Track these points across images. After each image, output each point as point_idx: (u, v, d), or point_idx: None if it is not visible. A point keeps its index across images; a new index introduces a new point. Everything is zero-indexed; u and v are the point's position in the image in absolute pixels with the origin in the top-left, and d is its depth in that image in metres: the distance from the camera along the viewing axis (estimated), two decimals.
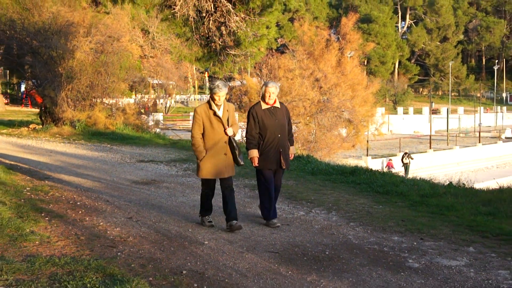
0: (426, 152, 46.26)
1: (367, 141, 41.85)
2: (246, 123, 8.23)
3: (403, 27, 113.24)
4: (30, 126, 23.31)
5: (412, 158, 39.84)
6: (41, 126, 23.00)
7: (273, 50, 43.63)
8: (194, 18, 10.78)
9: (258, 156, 7.76)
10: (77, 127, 21.53)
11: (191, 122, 44.50)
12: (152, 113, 36.84)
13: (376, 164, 36.67)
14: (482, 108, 77.17)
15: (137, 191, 10.30)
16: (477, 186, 12.69)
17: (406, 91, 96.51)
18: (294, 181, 11.45)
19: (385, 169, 34.79)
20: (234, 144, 7.53)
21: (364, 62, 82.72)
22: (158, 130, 30.24)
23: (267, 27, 11.68)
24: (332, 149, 33.98)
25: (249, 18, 10.80)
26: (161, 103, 53.19)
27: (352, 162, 26.08)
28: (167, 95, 54.00)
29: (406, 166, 39.03)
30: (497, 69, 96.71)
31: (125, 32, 24.89)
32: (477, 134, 58.48)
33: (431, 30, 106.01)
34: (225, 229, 7.42)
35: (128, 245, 6.56)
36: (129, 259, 6.00)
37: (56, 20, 22.55)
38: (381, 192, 10.30)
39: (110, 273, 5.34)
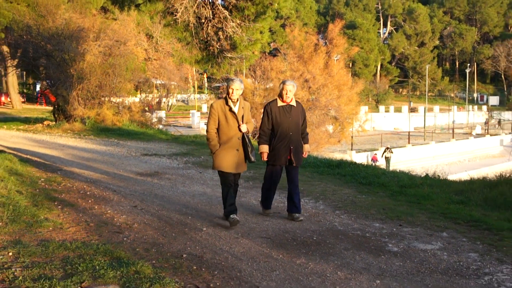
0: (405, 147, 46.30)
1: (352, 136, 41.84)
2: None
3: (384, 33, 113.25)
4: (44, 122, 23.30)
5: (392, 152, 39.85)
6: (54, 122, 22.99)
7: (266, 53, 43.51)
8: (194, 24, 10.75)
9: (267, 151, 7.45)
10: (87, 124, 21.52)
11: (191, 119, 44.41)
12: (156, 111, 36.77)
13: (360, 158, 36.72)
14: (455, 107, 77.40)
15: (141, 182, 10.29)
16: (451, 177, 12.73)
17: (387, 91, 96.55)
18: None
19: (371, 162, 34.94)
20: (247, 141, 7.15)
21: (349, 64, 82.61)
22: (161, 126, 30.26)
23: (261, 32, 11.68)
24: (320, 144, 33.99)
25: (244, 24, 10.77)
26: (164, 102, 53.08)
27: (338, 156, 26.06)
28: (169, 94, 53.95)
29: (387, 160, 39.06)
30: (469, 72, 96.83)
31: (131, 36, 24.88)
32: (451, 131, 58.58)
33: (410, 36, 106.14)
34: (222, 217, 7.41)
35: (133, 231, 6.55)
36: (134, 244, 6.00)
37: (68, 25, 22.55)
38: (364, 183, 10.32)
39: (117, 256, 5.34)
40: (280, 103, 7.46)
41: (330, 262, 5.60)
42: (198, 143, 17.78)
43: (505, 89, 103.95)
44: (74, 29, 22.46)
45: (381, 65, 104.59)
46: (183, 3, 10.58)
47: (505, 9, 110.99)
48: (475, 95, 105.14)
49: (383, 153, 39.87)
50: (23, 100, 51.23)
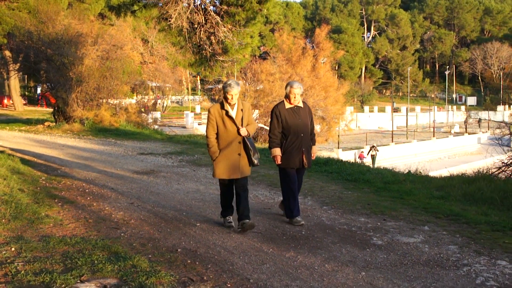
0: (388, 145, 46.46)
1: (338, 135, 41.96)
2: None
3: (368, 37, 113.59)
4: (45, 123, 23.19)
5: (377, 151, 40.00)
6: (54, 123, 22.87)
7: (257, 57, 43.58)
8: (187, 29, 10.72)
9: (280, 154, 6.91)
10: (85, 124, 21.43)
11: (185, 119, 44.25)
12: (151, 112, 36.66)
13: (346, 156, 36.77)
14: (435, 107, 77.62)
15: (138, 180, 10.25)
16: (432, 174, 12.79)
17: (371, 92, 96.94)
18: (275, 170, 11.43)
19: (358, 160, 35.08)
20: (249, 144, 6.55)
21: (335, 67, 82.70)
22: (156, 126, 30.14)
23: (251, 37, 11.66)
24: None
25: (235, 29, 10.75)
26: (159, 103, 52.95)
27: (325, 154, 26.15)
28: (164, 96, 53.85)
29: (373, 158, 39.19)
30: (448, 74, 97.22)
31: (128, 41, 24.82)
32: (432, 130, 58.85)
33: (392, 40, 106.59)
34: (216, 214, 7.38)
35: (130, 227, 6.53)
36: (131, 239, 5.98)
37: (68, 31, 22.48)
38: (350, 180, 10.33)
39: (115, 251, 5.33)
40: (287, 105, 6.98)
41: (318, 255, 5.60)
42: (192, 142, 17.75)
43: (482, 90, 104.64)
44: (73, 34, 22.39)
45: (366, 67, 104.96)
46: (176, 9, 10.55)
47: (481, 14, 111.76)
48: (454, 95, 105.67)
49: (369, 151, 40.00)
50: (24, 102, 50.93)
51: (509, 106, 71.75)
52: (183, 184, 9.83)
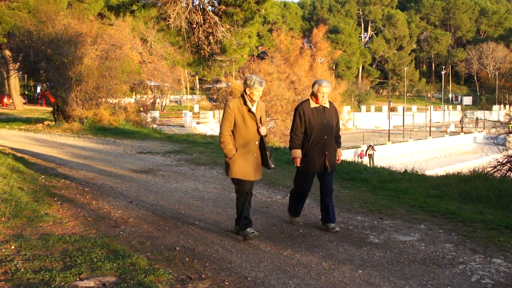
0: (385, 144, 46.46)
1: None
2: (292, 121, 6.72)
3: (365, 37, 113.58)
4: (45, 122, 23.16)
5: (374, 150, 40.02)
6: (54, 122, 22.85)
7: (255, 57, 43.59)
8: (186, 29, 10.71)
9: (300, 157, 6.42)
10: (85, 123, 21.42)
11: (183, 119, 44.19)
12: (150, 111, 36.65)
13: (344, 155, 36.80)
14: (432, 106, 77.66)
15: (136, 178, 10.24)
16: (428, 173, 12.80)
17: (368, 92, 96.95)
18: (273, 170, 11.44)
19: (358, 159, 35.18)
20: (266, 145, 6.10)
21: (332, 67, 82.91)
22: (155, 125, 30.15)
23: (249, 37, 11.65)
24: None
25: (233, 29, 10.74)
26: (158, 102, 52.94)
27: None
28: (162, 95, 53.84)
29: (370, 157, 39.22)
30: (444, 74, 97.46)
31: (127, 41, 24.79)
32: (428, 129, 58.89)
33: (389, 40, 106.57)
34: (214, 213, 7.38)
35: (129, 225, 6.53)
36: (130, 237, 5.97)
37: (67, 31, 22.47)
38: (347, 178, 10.33)
39: (114, 249, 5.32)
40: (313, 104, 6.43)
41: (315, 253, 5.60)
42: (191, 141, 17.73)
43: (478, 89, 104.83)
44: (72, 34, 22.37)
45: (363, 67, 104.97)
46: (175, 9, 10.54)
47: (477, 15, 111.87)
48: (450, 95, 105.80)
49: (366, 151, 40.05)
50: (24, 101, 50.89)
51: (504, 106, 71.79)
52: (181, 183, 9.82)
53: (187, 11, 10.80)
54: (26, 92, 58.58)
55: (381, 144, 45.97)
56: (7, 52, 38.60)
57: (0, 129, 21.23)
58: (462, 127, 62.02)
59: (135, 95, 40.42)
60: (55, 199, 7.81)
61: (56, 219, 6.56)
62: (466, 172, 10.84)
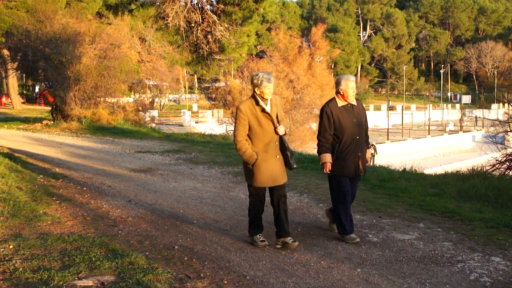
0: (384, 143, 46.44)
1: None
2: (319, 123, 6.25)
3: (364, 36, 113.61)
4: (43, 122, 23.15)
5: (377, 153, 39.93)
6: (52, 122, 22.84)
7: (253, 56, 43.53)
8: (184, 28, 10.73)
9: (331, 162, 5.90)
10: (83, 123, 21.40)
11: (182, 118, 44.18)
12: (149, 110, 36.61)
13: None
14: (431, 105, 77.76)
15: (135, 178, 10.24)
16: (427, 171, 12.79)
17: (367, 90, 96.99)
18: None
19: None
20: (286, 145, 5.67)
21: (331, 65, 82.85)
22: (153, 125, 30.12)
23: (248, 36, 11.67)
24: (304, 141, 34.07)
25: (232, 28, 10.76)
26: (156, 102, 52.88)
27: None
28: (161, 94, 53.79)
29: (372, 156, 39.18)
30: (443, 73, 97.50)
31: (125, 40, 24.71)
32: (427, 128, 58.92)
33: (388, 39, 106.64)
34: (213, 212, 7.38)
35: (127, 224, 6.53)
36: (129, 236, 5.97)
37: (66, 30, 22.45)
38: None
39: (112, 249, 5.33)
40: (340, 103, 5.95)
41: (314, 252, 5.60)
42: (189, 140, 17.72)
43: (477, 88, 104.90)
44: (71, 33, 22.34)
45: (361, 66, 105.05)
46: (173, 8, 10.55)
47: (475, 14, 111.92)
48: (449, 94, 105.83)
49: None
50: (23, 100, 50.85)
51: (503, 104, 71.78)
52: (180, 182, 9.82)
53: (186, 10, 10.81)
54: (25, 92, 58.54)
55: (380, 143, 45.95)
56: (5, 52, 38.56)
57: None
58: (462, 126, 62.05)
59: (134, 94, 40.33)
60: (54, 198, 7.81)
61: (54, 219, 6.56)
62: (465, 171, 10.84)
